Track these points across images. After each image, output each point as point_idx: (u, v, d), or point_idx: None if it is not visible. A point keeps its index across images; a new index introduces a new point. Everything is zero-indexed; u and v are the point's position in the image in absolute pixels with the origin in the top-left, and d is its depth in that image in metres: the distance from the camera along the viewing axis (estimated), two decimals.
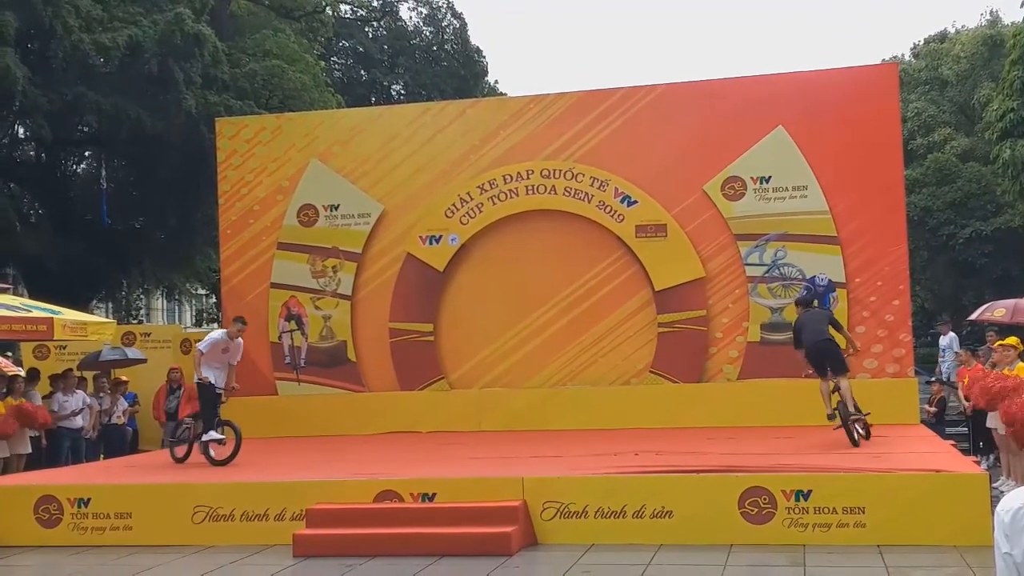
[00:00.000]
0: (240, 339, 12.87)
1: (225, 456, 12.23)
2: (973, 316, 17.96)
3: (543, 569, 9.09)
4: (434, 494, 10.09)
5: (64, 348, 17.32)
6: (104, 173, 25.85)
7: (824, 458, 10.63)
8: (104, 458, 15.32)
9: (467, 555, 9.22)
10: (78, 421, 14.87)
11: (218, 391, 12.51)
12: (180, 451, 12.86)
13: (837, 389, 11.82)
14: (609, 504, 9.66)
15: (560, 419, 15.03)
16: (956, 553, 8.60)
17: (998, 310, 16.55)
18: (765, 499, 9.34)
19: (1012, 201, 29.02)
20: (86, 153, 27.51)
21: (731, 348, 15.07)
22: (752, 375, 14.86)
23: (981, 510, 8.83)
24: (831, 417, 11.78)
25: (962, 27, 43.44)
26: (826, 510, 9.25)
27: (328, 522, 9.98)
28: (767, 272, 15.02)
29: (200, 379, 12.36)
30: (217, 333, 13.11)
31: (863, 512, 9.17)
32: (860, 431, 11.73)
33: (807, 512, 9.28)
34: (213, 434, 12.35)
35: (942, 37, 43.25)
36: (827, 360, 11.96)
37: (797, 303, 13.03)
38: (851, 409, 11.63)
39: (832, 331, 12.18)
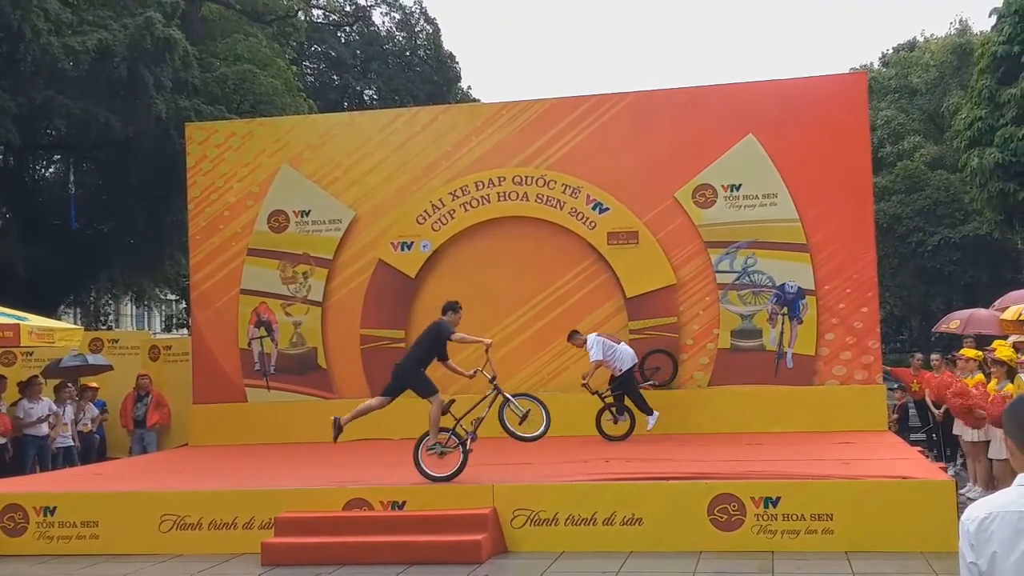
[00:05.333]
0: None
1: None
2: (935, 328, 18.30)
3: None
4: (404, 502, 10.08)
5: (31, 355, 17.12)
6: (73, 177, 25.62)
7: (793, 465, 10.67)
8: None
9: (437, 563, 9.21)
10: (44, 428, 14.69)
11: None
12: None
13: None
14: (579, 511, 9.67)
15: (530, 426, 14.99)
16: (923, 559, 8.66)
17: (953, 321, 16.98)
18: (734, 506, 9.38)
19: (980, 209, 29.30)
20: (55, 157, 27.29)
21: (701, 355, 15.12)
22: (722, 382, 14.92)
23: (948, 516, 8.91)
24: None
25: (931, 35, 43.89)
26: (795, 517, 9.30)
27: (297, 531, 9.93)
28: (737, 279, 15.08)
29: None
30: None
31: (831, 519, 9.23)
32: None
33: (776, 519, 9.32)
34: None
35: (911, 46, 43.67)
36: (407, 385, 11.22)
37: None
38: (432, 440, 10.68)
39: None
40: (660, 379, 14.35)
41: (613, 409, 13.93)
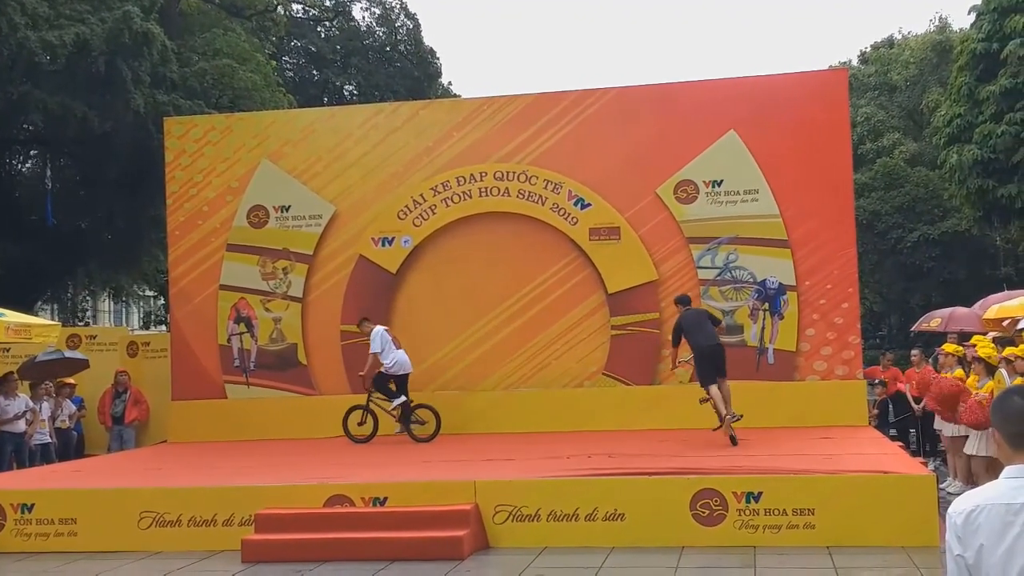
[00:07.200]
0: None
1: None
2: (914, 327, 18.42)
3: (495, 572, 9.05)
4: (385, 498, 10.02)
5: (8, 351, 16.97)
6: (49, 173, 25.43)
7: (775, 460, 10.69)
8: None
9: (419, 559, 9.16)
10: (21, 425, 14.54)
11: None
12: None
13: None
14: (561, 507, 9.64)
15: (513, 422, 14.99)
16: (904, 554, 8.68)
17: (934, 320, 17.03)
18: (716, 501, 9.37)
19: (958, 205, 29.52)
20: (31, 152, 27.05)
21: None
22: None
23: (929, 511, 8.95)
24: (725, 419, 12.24)
25: (909, 33, 44.17)
26: (776, 511, 9.29)
27: (278, 527, 9.86)
28: (719, 275, 15.10)
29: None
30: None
31: (813, 513, 9.24)
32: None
33: (758, 514, 9.32)
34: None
35: (890, 43, 43.93)
36: (720, 363, 12.57)
37: (677, 301, 13.42)
38: (731, 412, 12.26)
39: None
40: (424, 434, 14.29)
41: (363, 410, 14.47)
